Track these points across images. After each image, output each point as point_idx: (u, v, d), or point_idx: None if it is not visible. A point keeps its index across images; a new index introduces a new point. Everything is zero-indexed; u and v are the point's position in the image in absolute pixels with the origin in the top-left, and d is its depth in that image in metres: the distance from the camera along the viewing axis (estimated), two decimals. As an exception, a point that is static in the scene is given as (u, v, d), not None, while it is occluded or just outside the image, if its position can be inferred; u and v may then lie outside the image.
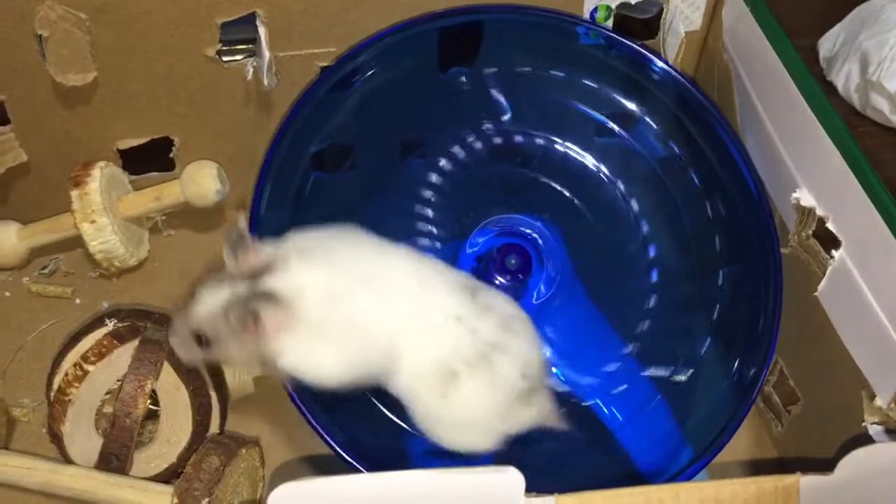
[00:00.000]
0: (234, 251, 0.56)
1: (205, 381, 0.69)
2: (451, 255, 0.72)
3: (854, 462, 0.49)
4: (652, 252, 0.74)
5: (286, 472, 0.71)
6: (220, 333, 0.56)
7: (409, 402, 0.60)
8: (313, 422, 0.63)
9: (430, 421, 0.60)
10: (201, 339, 0.57)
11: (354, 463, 0.62)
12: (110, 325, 0.68)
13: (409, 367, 0.58)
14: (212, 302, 0.56)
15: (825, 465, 0.50)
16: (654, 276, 0.73)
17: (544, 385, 0.63)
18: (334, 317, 0.57)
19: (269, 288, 0.55)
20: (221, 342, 0.56)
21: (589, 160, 0.76)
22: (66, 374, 0.66)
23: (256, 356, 0.57)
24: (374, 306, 0.58)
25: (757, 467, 0.74)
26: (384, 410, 0.67)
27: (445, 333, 0.58)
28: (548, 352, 0.70)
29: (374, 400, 0.67)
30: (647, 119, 0.76)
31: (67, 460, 0.67)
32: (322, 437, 0.62)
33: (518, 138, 0.76)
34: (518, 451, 0.66)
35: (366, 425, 0.66)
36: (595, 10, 0.76)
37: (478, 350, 0.58)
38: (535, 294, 0.73)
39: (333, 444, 0.62)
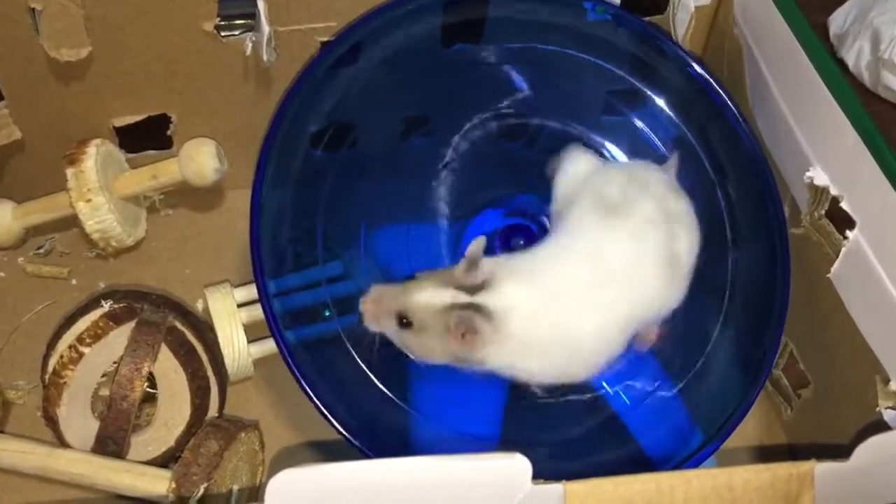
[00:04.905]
0: (468, 262, 0.61)
1: (203, 364, 0.68)
2: (456, 233, 0.71)
3: (871, 449, 0.48)
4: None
5: (286, 456, 0.71)
6: (430, 327, 0.60)
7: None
8: (320, 406, 0.62)
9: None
10: (402, 320, 0.60)
11: (361, 447, 0.61)
12: (106, 306, 0.68)
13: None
14: (434, 297, 0.60)
15: (837, 451, 0.49)
16: None
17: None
18: (538, 334, 0.61)
19: (485, 303, 0.60)
20: (425, 334, 0.60)
21: (596, 139, 0.75)
22: (61, 356, 0.65)
23: (457, 358, 0.61)
24: (578, 316, 0.62)
25: (766, 453, 0.73)
26: (390, 395, 0.66)
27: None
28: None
29: (379, 384, 0.66)
30: (656, 98, 0.74)
31: (63, 444, 0.66)
32: (329, 421, 0.62)
33: (523, 117, 0.75)
34: (525, 437, 0.65)
35: (371, 411, 0.65)
36: (604, -17, 0.75)
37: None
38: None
39: (341, 429, 0.61)
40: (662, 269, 0.64)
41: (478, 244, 0.61)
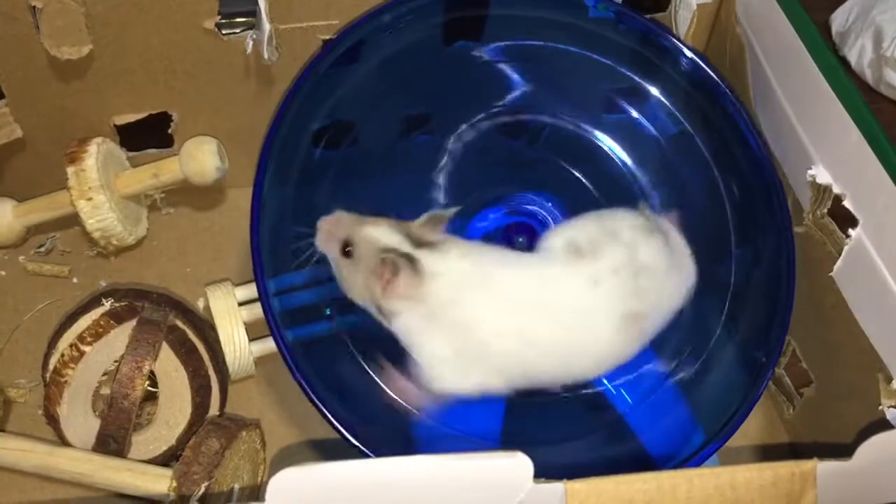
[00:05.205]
0: (429, 220, 0.64)
1: (204, 362, 0.68)
2: (458, 232, 0.70)
3: (874, 448, 0.48)
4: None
5: (288, 455, 0.70)
6: (363, 261, 0.62)
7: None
8: (320, 405, 0.61)
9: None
10: (346, 247, 0.62)
11: (361, 447, 0.61)
12: (107, 304, 0.67)
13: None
14: (382, 235, 0.62)
15: (839, 450, 0.49)
16: None
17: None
18: (450, 312, 0.61)
19: (421, 259, 0.61)
20: (357, 267, 0.62)
21: (598, 137, 0.75)
22: (62, 355, 0.65)
23: (373, 302, 0.62)
24: (496, 319, 0.62)
25: (768, 451, 0.73)
26: (391, 393, 0.65)
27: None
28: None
29: (380, 382, 0.66)
30: (658, 95, 0.74)
31: (64, 442, 0.66)
32: (328, 420, 0.61)
33: (525, 115, 0.74)
34: (527, 435, 0.65)
35: (371, 409, 0.65)
36: (605, -19, 0.75)
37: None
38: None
39: (341, 429, 0.61)
40: (616, 324, 0.62)
41: (450, 210, 0.65)
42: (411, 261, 0.61)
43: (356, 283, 0.63)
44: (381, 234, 0.62)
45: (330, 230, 0.63)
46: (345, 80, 0.70)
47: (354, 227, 0.63)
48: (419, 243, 0.62)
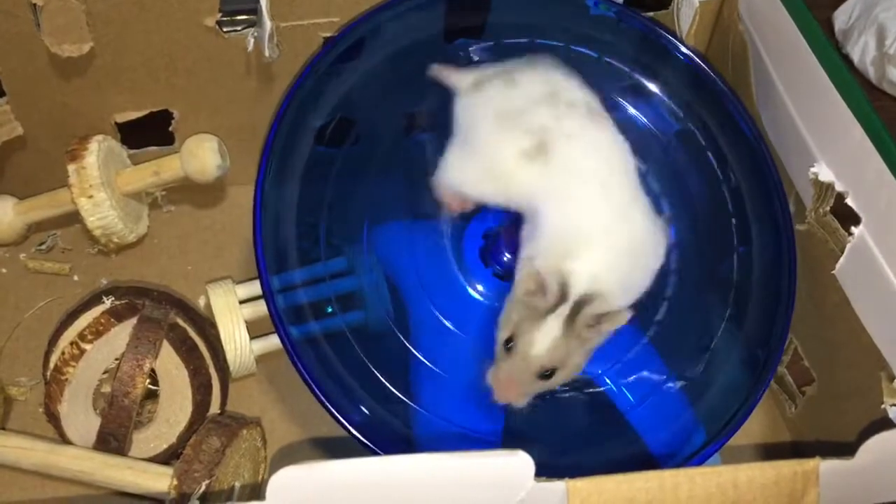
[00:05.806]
0: (541, 290, 0.59)
1: (205, 361, 0.68)
2: (458, 229, 0.70)
3: (876, 447, 0.48)
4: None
5: (289, 453, 0.70)
6: (567, 355, 0.59)
7: None
8: (325, 401, 0.61)
9: None
10: (546, 374, 0.59)
11: (365, 443, 0.61)
12: (108, 302, 0.67)
13: None
14: (547, 334, 0.58)
15: (842, 449, 0.49)
16: (673, 259, 0.71)
17: None
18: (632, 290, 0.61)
19: (582, 295, 0.58)
20: (568, 364, 0.59)
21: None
22: (63, 353, 0.65)
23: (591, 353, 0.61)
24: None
25: (770, 450, 0.72)
26: (394, 390, 0.65)
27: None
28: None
29: (383, 380, 0.66)
30: (659, 93, 0.74)
31: (65, 440, 0.66)
32: (335, 416, 0.61)
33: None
34: (528, 434, 0.65)
35: (374, 406, 0.65)
36: (607, -22, 0.74)
37: None
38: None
39: (346, 425, 0.61)
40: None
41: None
42: (585, 304, 0.58)
43: (578, 368, 0.60)
44: (543, 335, 0.58)
45: (514, 387, 0.60)
46: (346, 77, 0.70)
47: (527, 360, 0.59)
48: (559, 301, 0.58)
